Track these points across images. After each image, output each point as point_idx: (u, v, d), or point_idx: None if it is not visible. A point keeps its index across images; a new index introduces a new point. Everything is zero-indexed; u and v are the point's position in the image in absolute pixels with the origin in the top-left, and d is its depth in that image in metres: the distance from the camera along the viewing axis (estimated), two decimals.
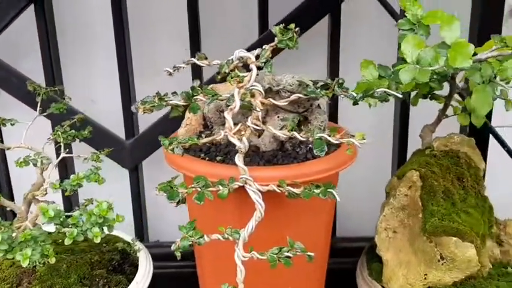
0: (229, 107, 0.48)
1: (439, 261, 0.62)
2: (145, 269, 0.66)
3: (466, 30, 0.80)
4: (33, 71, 0.89)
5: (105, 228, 0.51)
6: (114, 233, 0.75)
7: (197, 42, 0.85)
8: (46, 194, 0.60)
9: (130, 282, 0.63)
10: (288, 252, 0.49)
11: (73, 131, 0.68)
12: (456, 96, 0.72)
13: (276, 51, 0.83)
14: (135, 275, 0.65)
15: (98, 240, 0.50)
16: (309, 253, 0.49)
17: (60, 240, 0.71)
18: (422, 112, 0.75)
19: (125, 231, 0.76)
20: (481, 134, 0.88)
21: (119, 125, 0.92)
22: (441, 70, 0.62)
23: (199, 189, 0.49)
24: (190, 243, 0.49)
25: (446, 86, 0.70)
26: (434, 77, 0.65)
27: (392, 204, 0.67)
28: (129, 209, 0.95)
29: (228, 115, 0.47)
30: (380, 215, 0.68)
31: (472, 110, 0.57)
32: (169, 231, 1.00)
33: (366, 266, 0.71)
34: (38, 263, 0.62)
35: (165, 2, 0.92)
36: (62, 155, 0.62)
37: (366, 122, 0.99)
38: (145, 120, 0.91)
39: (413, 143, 0.81)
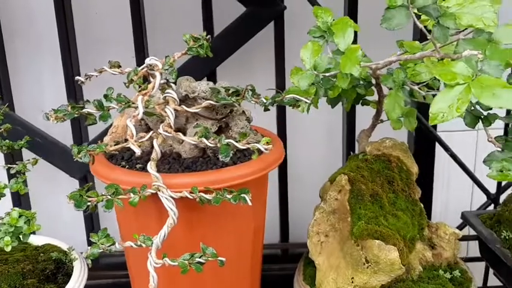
0: (133, 115, 0.49)
1: (364, 264, 0.62)
2: (77, 278, 0.66)
3: None
4: None
5: (21, 237, 0.51)
6: (54, 242, 0.75)
7: (142, 51, 0.86)
8: None
9: None
10: (200, 258, 0.50)
11: (7, 141, 0.68)
12: None
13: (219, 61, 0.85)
14: (66, 284, 0.65)
15: (8, 249, 0.50)
16: (220, 258, 0.50)
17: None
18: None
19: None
20: (427, 139, 0.90)
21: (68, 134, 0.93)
22: (365, 75, 0.64)
23: (109, 197, 0.49)
24: (101, 250, 0.49)
25: None
26: (361, 82, 0.67)
27: (323, 209, 0.68)
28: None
29: (130, 122, 0.48)
30: (312, 219, 0.69)
31: (387, 113, 0.57)
32: None
33: (301, 271, 0.71)
34: None
35: (111, 9, 0.93)
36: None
37: (318, 130, 1.01)
38: (94, 131, 0.92)
39: None
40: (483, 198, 0.97)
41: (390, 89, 0.59)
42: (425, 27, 0.45)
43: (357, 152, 0.78)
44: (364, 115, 0.84)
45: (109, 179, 0.55)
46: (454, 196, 1.04)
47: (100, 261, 0.97)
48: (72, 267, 0.69)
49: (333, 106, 0.72)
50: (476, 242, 0.78)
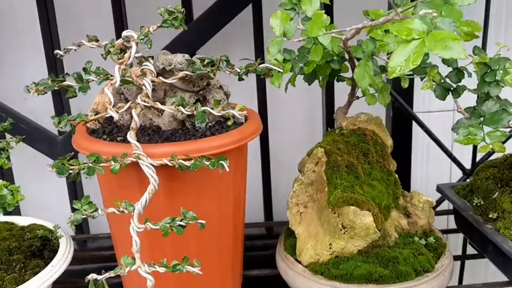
0: (110, 82, 0.50)
1: (341, 230, 0.65)
2: (63, 253, 0.68)
3: None
4: None
5: (6, 207, 0.52)
6: (40, 222, 0.76)
7: (121, 26, 0.87)
8: None
9: (46, 266, 0.65)
10: (180, 221, 0.52)
11: None
12: None
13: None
14: (52, 260, 0.66)
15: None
16: (200, 221, 0.52)
17: None
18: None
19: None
20: (403, 116, 0.93)
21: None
22: (338, 50, 0.66)
23: (90, 165, 0.51)
24: (84, 216, 0.51)
25: None
26: (334, 58, 0.69)
27: (302, 181, 0.70)
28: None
29: (107, 90, 0.50)
30: (291, 191, 0.71)
31: (357, 82, 0.60)
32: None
33: (282, 243, 0.73)
34: None
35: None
36: None
37: (299, 109, 1.03)
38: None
39: None
40: (461, 174, 1.00)
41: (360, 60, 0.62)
42: None
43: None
44: (343, 94, 0.87)
45: (90, 150, 0.56)
46: (433, 173, 1.07)
47: (88, 245, 0.99)
48: (58, 244, 0.70)
49: (309, 83, 0.74)
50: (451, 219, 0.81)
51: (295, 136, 1.04)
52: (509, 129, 0.64)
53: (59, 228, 0.72)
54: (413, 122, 0.94)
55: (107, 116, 0.53)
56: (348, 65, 0.72)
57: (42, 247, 0.70)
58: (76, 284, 0.80)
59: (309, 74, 0.72)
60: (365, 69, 0.57)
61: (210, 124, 0.60)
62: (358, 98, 0.78)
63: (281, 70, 0.55)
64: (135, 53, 0.51)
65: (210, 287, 0.65)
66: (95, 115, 0.52)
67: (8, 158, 0.61)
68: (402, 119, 0.92)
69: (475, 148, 0.97)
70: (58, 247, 0.70)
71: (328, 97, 0.94)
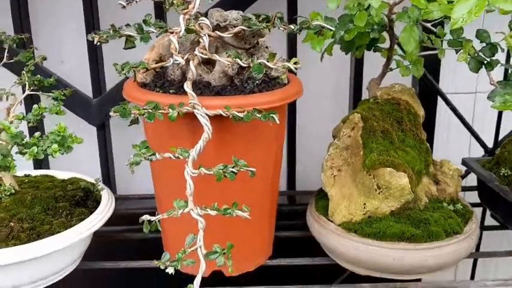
0: (175, 31, 0.53)
1: (376, 190, 0.67)
2: (106, 203, 0.71)
3: None
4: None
5: (64, 148, 0.55)
6: (79, 176, 0.79)
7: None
8: (11, 124, 0.64)
9: (91, 214, 0.68)
10: (232, 168, 0.55)
11: (38, 76, 0.72)
12: (397, 52, 0.79)
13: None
14: (96, 209, 0.69)
15: (56, 156, 0.54)
16: (250, 169, 0.54)
17: (26, 180, 0.75)
18: (377, 71, 0.82)
19: None
20: (430, 92, 0.96)
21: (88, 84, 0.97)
22: (379, 20, 0.69)
23: (149, 111, 0.54)
24: (142, 159, 0.54)
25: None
26: (375, 27, 0.72)
27: (337, 145, 0.73)
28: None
29: (173, 38, 0.52)
30: (326, 155, 0.73)
31: (410, 57, 0.62)
32: (136, 187, 1.04)
33: (314, 204, 0.76)
34: (3, 195, 0.67)
35: None
36: (27, 92, 0.66)
37: (327, 81, 1.06)
38: (111, 82, 0.96)
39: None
40: (481, 153, 1.03)
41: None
42: None
43: None
44: (369, 75, 0.89)
45: (145, 101, 0.59)
46: (453, 151, 1.10)
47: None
48: (100, 195, 0.73)
49: (346, 52, 0.77)
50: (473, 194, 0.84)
51: (321, 109, 1.06)
52: None
53: (100, 181, 0.75)
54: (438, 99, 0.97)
55: (167, 64, 0.55)
56: (386, 36, 0.74)
57: (85, 197, 0.73)
58: (112, 238, 0.83)
59: (347, 43, 0.74)
60: (411, 34, 0.59)
61: (256, 82, 0.63)
62: (391, 69, 0.80)
63: (333, 29, 0.58)
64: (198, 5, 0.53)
65: (249, 235, 0.68)
66: (156, 63, 0.55)
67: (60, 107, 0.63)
68: (428, 95, 0.95)
69: (498, 126, 0.99)
70: (100, 199, 0.73)
71: (357, 69, 0.96)
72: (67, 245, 0.62)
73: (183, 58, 0.55)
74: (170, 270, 0.54)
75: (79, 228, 0.64)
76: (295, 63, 0.53)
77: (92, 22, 0.92)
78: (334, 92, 1.05)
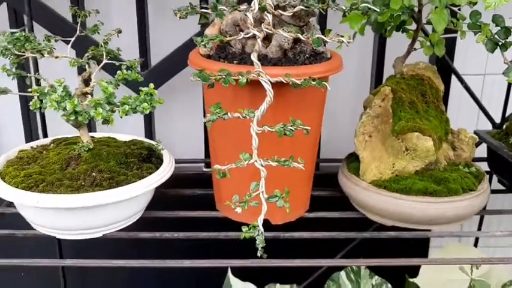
0: (251, 9, 0.63)
1: (404, 152, 0.78)
2: (169, 160, 0.81)
3: None
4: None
5: (151, 107, 0.65)
6: (139, 138, 0.89)
7: None
8: (93, 90, 0.74)
9: (158, 169, 0.78)
10: (291, 126, 0.65)
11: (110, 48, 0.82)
12: (421, 35, 0.89)
13: None
14: (161, 165, 0.80)
15: (146, 112, 0.64)
16: (306, 127, 0.65)
17: (95, 139, 0.85)
18: (395, 54, 0.92)
19: None
20: (445, 71, 1.06)
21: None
22: (409, 4, 0.79)
23: (224, 77, 0.64)
24: (216, 117, 0.64)
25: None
26: (405, 10, 0.82)
27: (369, 114, 0.83)
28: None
29: (249, 14, 0.62)
30: (358, 122, 0.84)
31: (433, 38, 0.72)
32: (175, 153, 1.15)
33: (345, 166, 0.87)
34: (82, 150, 0.77)
35: None
36: (105, 61, 0.76)
37: (350, 60, 1.16)
38: (155, 58, 1.06)
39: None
40: (487, 128, 1.14)
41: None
42: None
43: None
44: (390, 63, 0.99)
45: (213, 69, 0.69)
46: (462, 126, 1.21)
47: None
48: (162, 154, 0.84)
49: (377, 32, 0.87)
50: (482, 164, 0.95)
51: (345, 88, 1.17)
52: None
53: (160, 142, 0.86)
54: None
55: (239, 38, 0.65)
56: (412, 19, 0.85)
57: (149, 155, 0.83)
58: (166, 194, 0.93)
59: (379, 24, 0.84)
60: (441, 16, 0.70)
61: (306, 55, 0.73)
62: (415, 49, 0.91)
63: (378, 10, 0.68)
64: None
65: (295, 189, 0.78)
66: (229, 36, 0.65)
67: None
68: (444, 74, 1.05)
69: (505, 104, 1.10)
70: (162, 157, 0.83)
71: (380, 52, 1.06)
72: (142, 193, 0.73)
73: (249, 33, 0.65)
74: (238, 210, 0.65)
75: (150, 179, 0.75)
76: (349, 37, 0.63)
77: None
78: (358, 68, 1.16)
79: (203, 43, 0.64)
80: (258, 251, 0.64)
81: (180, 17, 0.66)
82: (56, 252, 1.12)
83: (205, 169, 1.17)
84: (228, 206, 0.76)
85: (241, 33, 0.64)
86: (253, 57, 0.65)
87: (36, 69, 0.96)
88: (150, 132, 1.10)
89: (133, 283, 1.26)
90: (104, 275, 1.25)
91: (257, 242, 0.64)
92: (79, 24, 0.83)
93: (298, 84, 0.66)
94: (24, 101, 1.07)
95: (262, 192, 0.64)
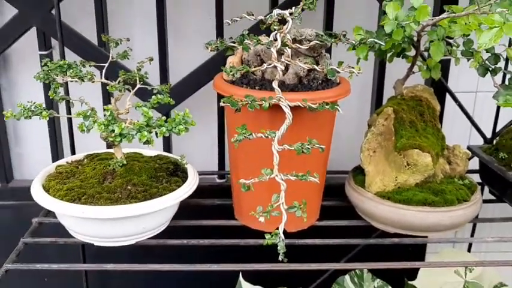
0: (274, 45, 0.72)
1: (405, 167, 0.88)
2: (194, 174, 0.89)
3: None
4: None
5: (186, 129, 0.73)
6: (164, 154, 0.98)
7: (221, 13, 1.09)
8: (128, 113, 0.82)
9: (184, 182, 0.87)
10: (308, 145, 0.74)
11: (140, 72, 0.91)
12: (420, 59, 0.99)
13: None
14: (187, 178, 0.88)
15: (182, 134, 0.73)
16: (321, 146, 0.74)
17: (125, 155, 0.94)
18: (393, 76, 1.01)
19: None
20: (440, 91, 1.16)
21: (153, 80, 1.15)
22: (409, 34, 0.88)
23: (249, 102, 0.73)
24: (243, 137, 0.73)
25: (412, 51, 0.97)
26: (405, 39, 0.91)
27: (373, 131, 0.93)
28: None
29: (273, 49, 0.71)
30: (364, 139, 0.93)
31: (430, 63, 0.81)
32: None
33: (352, 178, 0.96)
34: (116, 165, 0.86)
35: None
36: (138, 85, 0.84)
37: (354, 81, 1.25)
38: (175, 78, 1.15)
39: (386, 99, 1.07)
40: (478, 143, 1.24)
41: (430, 41, 0.84)
42: None
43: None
44: (389, 85, 1.08)
45: (238, 95, 0.78)
46: (456, 141, 1.30)
47: None
48: (186, 168, 0.92)
49: (380, 58, 0.97)
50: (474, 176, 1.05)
51: (347, 110, 1.26)
52: None
53: (184, 157, 0.94)
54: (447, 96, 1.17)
55: (263, 68, 0.74)
56: (410, 46, 0.94)
57: (175, 169, 0.91)
58: (188, 204, 1.01)
59: (381, 51, 0.94)
60: (438, 47, 0.79)
61: (319, 82, 0.82)
62: (414, 72, 1.00)
63: (383, 43, 0.78)
64: (289, 27, 0.72)
65: (308, 200, 0.87)
66: (255, 66, 0.74)
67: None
68: (439, 92, 1.15)
69: (495, 121, 1.20)
70: (186, 171, 0.91)
71: (380, 75, 1.16)
72: (172, 204, 0.82)
73: (271, 64, 0.74)
74: (262, 219, 0.73)
75: (179, 192, 0.83)
76: (359, 68, 0.72)
77: (162, 24, 1.10)
78: (359, 89, 1.25)
79: (232, 73, 0.73)
80: (280, 256, 0.72)
81: (210, 50, 0.74)
82: (79, 257, 1.20)
83: (218, 180, 1.25)
84: (248, 215, 0.86)
85: (264, 64, 0.73)
86: (275, 84, 0.74)
87: (67, 92, 1.04)
88: (168, 146, 1.19)
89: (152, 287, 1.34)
90: (124, 278, 1.33)
91: (278, 247, 0.73)
92: (111, 51, 0.91)
93: (314, 108, 0.75)
94: (52, 121, 1.16)
95: (283, 203, 0.73)
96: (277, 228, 0.72)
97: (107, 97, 1.16)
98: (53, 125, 1.17)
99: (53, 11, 1.07)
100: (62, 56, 1.02)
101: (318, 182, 0.74)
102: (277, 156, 0.73)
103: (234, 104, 0.72)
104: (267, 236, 0.73)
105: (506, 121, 1.19)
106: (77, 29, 1.10)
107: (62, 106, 1.14)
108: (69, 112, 1.05)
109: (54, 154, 1.19)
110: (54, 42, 1.16)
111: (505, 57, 0.93)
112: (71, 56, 1.08)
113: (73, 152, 1.09)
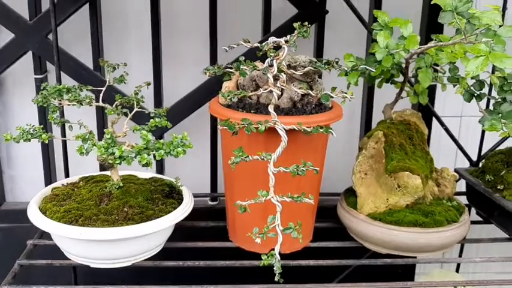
0: (270, 71, 0.75)
1: (396, 189, 0.90)
2: (189, 196, 0.91)
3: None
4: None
5: (183, 151, 0.75)
6: (159, 176, 0.99)
7: (215, 40, 1.12)
8: (125, 135, 0.84)
9: (180, 204, 0.88)
10: (303, 167, 0.76)
11: (137, 96, 0.92)
12: (408, 85, 1.02)
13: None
14: (182, 200, 0.89)
15: (180, 156, 0.75)
16: (315, 168, 0.76)
17: (120, 177, 0.95)
18: (383, 101, 1.05)
19: None
20: (427, 115, 1.19)
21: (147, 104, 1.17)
22: (398, 61, 0.92)
23: (246, 125, 0.75)
24: (240, 160, 0.75)
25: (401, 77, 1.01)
26: (394, 66, 0.95)
27: (364, 154, 0.95)
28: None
29: (270, 75, 0.74)
30: (355, 161, 0.96)
31: (417, 88, 0.85)
32: None
33: (344, 200, 0.98)
34: (113, 188, 0.87)
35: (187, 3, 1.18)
36: (135, 109, 0.86)
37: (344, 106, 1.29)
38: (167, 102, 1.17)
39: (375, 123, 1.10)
40: (463, 165, 1.27)
41: (418, 68, 0.88)
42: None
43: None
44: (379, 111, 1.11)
45: (234, 118, 0.80)
46: (442, 164, 1.34)
47: None
48: (181, 190, 0.93)
49: (370, 84, 1.00)
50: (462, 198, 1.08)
51: (338, 129, 1.29)
52: None
53: (179, 179, 0.95)
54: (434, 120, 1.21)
55: (259, 93, 0.76)
56: (399, 73, 0.98)
57: (170, 191, 0.93)
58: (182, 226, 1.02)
59: (371, 77, 0.97)
60: (426, 74, 0.83)
61: (312, 106, 0.85)
62: (402, 97, 1.04)
63: (374, 70, 0.81)
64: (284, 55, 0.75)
65: (303, 219, 0.89)
66: (251, 91, 0.76)
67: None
68: (426, 116, 1.18)
69: (481, 144, 1.23)
70: (181, 193, 0.93)
71: (369, 99, 1.19)
72: (169, 226, 0.83)
73: (267, 89, 0.77)
74: (258, 241, 0.75)
75: (176, 214, 0.84)
76: (351, 94, 0.75)
77: (158, 50, 1.13)
78: (349, 115, 1.28)
79: (229, 97, 0.76)
80: (276, 276, 0.74)
81: (209, 75, 0.77)
82: (68, 278, 1.19)
83: (210, 202, 1.27)
84: (243, 237, 0.87)
85: (260, 89, 0.76)
86: (271, 108, 0.77)
87: (62, 115, 1.06)
88: (161, 168, 1.20)
89: None
90: None
91: (275, 268, 0.74)
92: (107, 75, 0.93)
93: (308, 132, 0.77)
94: (46, 144, 1.17)
95: (278, 224, 0.75)
96: (273, 249, 0.73)
97: (101, 120, 1.17)
98: (47, 148, 1.18)
99: (49, 36, 1.09)
100: (59, 80, 1.03)
101: (313, 203, 0.76)
102: (273, 178, 0.75)
103: (231, 127, 0.74)
104: (264, 257, 0.74)
105: (491, 144, 1.23)
106: (69, 51, 1.12)
107: (56, 129, 1.15)
108: (63, 135, 1.06)
109: (47, 176, 1.19)
110: (49, 66, 1.18)
111: (489, 83, 0.97)
112: (66, 80, 1.09)
113: (67, 175, 1.09)
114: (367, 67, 0.81)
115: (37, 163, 1.21)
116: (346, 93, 0.75)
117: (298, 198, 0.76)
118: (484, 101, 1.04)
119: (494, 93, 0.98)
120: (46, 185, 1.17)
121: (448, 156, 1.35)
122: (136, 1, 1.17)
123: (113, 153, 0.72)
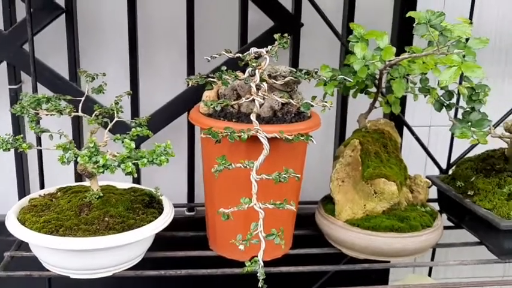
0: (253, 80, 0.76)
1: (373, 195, 0.93)
2: (169, 205, 0.91)
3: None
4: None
5: (167, 160, 0.76)
6: (138, 186, 0.99)
7: (192, 50, 1.13)
8: (106, 145, 0.84)
9: (160, 214, 0.88)
10: (285, 174, 0.78)
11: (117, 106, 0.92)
12: (380, 96, 1.06)
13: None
14: (163, 210, 0.90)
15: (163, 165, 0.75)
16: (297, 175, 0.78)
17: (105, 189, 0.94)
18: (356, 110, 1.08)
19: None
20: (398, 125, 1.23)
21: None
22: (372, 72, 0.95)
23: (229, 134, 0.76)
24: (223, 168, 0.76)
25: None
26: (369, 77, 0.98)
27: (341, 162, 0.98)
28: None
29: (252, 84, 0.76)
30: (333, 169, 0.98)
31: (390, 98, 0.88)
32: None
33: (322, 207, 1.00)
34: (93, 198, 0.86)
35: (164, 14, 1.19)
36: (116, 119, 0.86)
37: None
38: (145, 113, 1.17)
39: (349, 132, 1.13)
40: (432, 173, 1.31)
41: (391, 79, 0.91)
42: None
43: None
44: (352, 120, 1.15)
45: (216, 127, 0.81)
46: (412, 171, 1.38)
47: None
48: (161, 200, 0.93)
49: (345, 94, 1.03)
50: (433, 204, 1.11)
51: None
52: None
53: (159, 189, 0.95)
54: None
55: (243, 102, 0.78)
56: (372, 83, 1.01)
57: (150, 201, 0.93)
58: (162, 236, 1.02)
59: (346, 87, 1.00)
60: (400, 84, 0.86)
61: (292, 115, 0.87)
62: (376, 107, 1.07)
63: (351, 80, 0.84)
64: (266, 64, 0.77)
65: (285, 226, 0.90)
66: (235, 100, 0.78)
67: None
68: (397, 125, 1.22)
69: (450, 152, 1.28)
70: (161, 202, 0.93)
71: (343, 109, 1.23)
72: (150, 235, 0.83)
73: (249, 98, 0.78)
74: (241, 247, 0.75)
75: (157, 223, 0.84)
76: (331, 103, 0.77)
77: (135, 61, 1.13)
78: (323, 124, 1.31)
79: (212, 106, 0.77)
80: (259, 282, 0.75)
81: (191, 85, 0.78)
82: None
83: (187, 213, 1.27)
84: (223, 245, 0.88)
85: (242, 98, 0.77)
86: (253, 117, 0.78)
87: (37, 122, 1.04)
88: (138, 178, 1.19)
89: None
90: None
91: (258, 274, 0.75)
92: (87, 85, 0.93)
93: (290, 139, 0.79)
94: (19, 154, 1.15)
95: (261, 231, 0.76)
96: (255, 256, 0.74)
97: (76, 130, 1.16)
98: (20, 158, 1.16)
99: (25, 46, 1.08)
100: (35, 90, 1.02)
101: (295, 210, 0.78)
102: (256, 185, 0.77)
103: (215, 136, 0.75)
104: (247, 264, 0.75)
105: (459, 152, 1.28)
106: (44, 61, 1.12)
107: (32, 138, 1.13)
108: (39, 144, 1.05)
109: (20, 187, 1.17)
110: (24, 77, 1.16)
111: (457, 93, 1.01)
112: (42, 91, 1.08)
113: (42, 185, 1.08)
114: (345, 77, 0.83)
115: (10, 173, 1.18)
116: (326, 102, 0.77)
117: (280, 205, 0.77)
118: (453, 110, 1.08)
119: (462, 103, 1.03)
120: (20, 197, 1.15)
121: (418, 164, 1.40)
122: (114, 12, 1.17)
123: (97, 162, 0.72)
